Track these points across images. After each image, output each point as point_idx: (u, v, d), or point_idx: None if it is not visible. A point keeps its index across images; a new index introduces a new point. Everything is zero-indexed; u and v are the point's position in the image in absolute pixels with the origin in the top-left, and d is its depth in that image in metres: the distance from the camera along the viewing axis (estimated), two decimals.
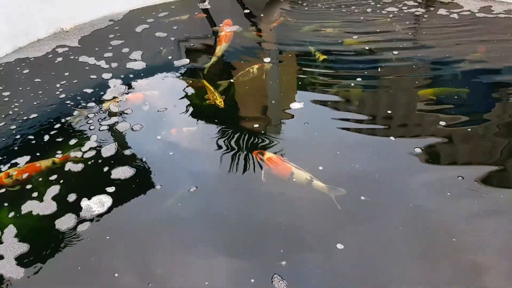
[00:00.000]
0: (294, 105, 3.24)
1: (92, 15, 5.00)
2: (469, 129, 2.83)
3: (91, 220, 2.40)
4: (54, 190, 2.61)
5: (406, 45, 3.95)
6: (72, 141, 3.02)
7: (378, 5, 4.92)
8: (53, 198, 2.55)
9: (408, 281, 2.00)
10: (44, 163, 2.80)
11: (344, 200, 2.37)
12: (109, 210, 2.46)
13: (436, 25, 4.33)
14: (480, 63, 3.59)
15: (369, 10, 4.81)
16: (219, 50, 4.17)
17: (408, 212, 2.31)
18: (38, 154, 2.93)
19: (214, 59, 4.04)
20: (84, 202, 2.51)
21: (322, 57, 3.79)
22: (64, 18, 4.79)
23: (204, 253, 2.19)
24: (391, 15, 4.62)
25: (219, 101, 3.25)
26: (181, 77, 3.81)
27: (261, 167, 2.65)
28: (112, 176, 2.67)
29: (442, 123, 2.91)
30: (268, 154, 2.72)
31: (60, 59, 4.21)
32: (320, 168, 2.60)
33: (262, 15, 4.98)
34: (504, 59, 3.60)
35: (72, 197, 2.55)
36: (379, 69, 3.59)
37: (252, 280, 2.02)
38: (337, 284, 2.01)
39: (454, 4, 4.73)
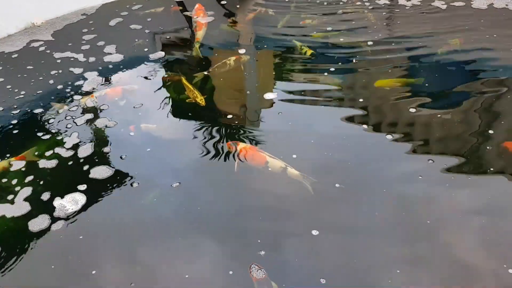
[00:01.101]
0: (268, 96, 3.27)
1: (63, 9, 4.88)
2: (438, 115, 2.91)
3: (65, 219, 2.38)
4: (26, 190, 2.57)
5: (382, 36, 3.99)
6: (46, 138, 2.98)
7: None
8: (26, 199, 2.51)
9: (385, 264, 2.05)
10: (1, 164, 2.73)
11: (319, 188, 2.42)
12: (84, 208, 2.44)
13: (417, 14, 4.38)
14: (456, 53, 3.65)
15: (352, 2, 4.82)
16: (200, 35, 4.23)
17: (382, 198, 2.37)
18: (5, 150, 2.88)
19: (197, 45, 4.07)
20: (57, 201, 2.47)
21: (310, 51, 3.76)
22: (35, 12, 4.67)
23: (183, 247, 2.20)
24: (370, 7, 4.65)
25: (200, 99, 3.23)
26: (157, 70, 3.78)
27: (235, 158, 2.67)
28: (89, 174, 2.64)
29: (412, 110, 2.98)
30: (241, 145, 2.74)
31: (34, 54, 4.12)
32: (294, 156, 2.63)
33: (238, 6, 4.97)
34: (480, 50, 3.66)
35: (45, 196, 2.51)
36: (354, 60, 3.63)
37: (231, 272, 2.04)
38: (314, 268, 2.06)
39: None
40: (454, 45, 3.72)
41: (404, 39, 3.92)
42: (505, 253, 2.06)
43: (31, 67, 3.90)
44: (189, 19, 4.64)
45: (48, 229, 2.32)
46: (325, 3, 4.81)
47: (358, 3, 4.75)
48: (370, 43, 3.87)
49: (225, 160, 2.70)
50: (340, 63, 3.60)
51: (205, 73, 3.63)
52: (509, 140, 2.65)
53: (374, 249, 2.13)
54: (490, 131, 2.73)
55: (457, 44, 3.73)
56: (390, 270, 2.01)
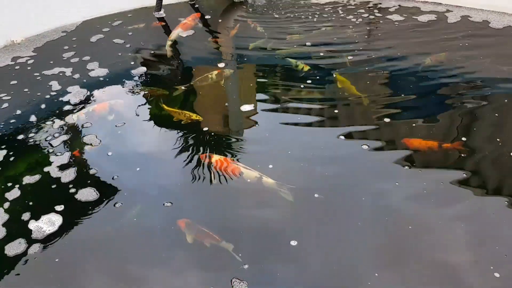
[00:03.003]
0: (244, 108, 3.34)
1: (43, 27, 4.90)
2: (413, 124, 3.00)
3: (42, 240, 2.34)
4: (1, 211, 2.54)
5: (363, 50, 4.07)
6: (27, 157, 2.97)
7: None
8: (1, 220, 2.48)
9: (368, 271, 2.08)
10: None
11: (298, 199, 2.46)
12: (63, 229, 2.42)
13: (392, 30, 4.49)
14: (438, 66, 3.71)
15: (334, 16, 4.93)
16: (173, 34, 4.41)
17: (362, 205, 2.42)
18: None
19: (168, 43, 4.28)
20: (36, 224, 2.44)
21: (306, 67, 3.77)
22: (14, 30, 4.68)
23: (165, 263, 2.20)
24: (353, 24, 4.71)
25: (195, 116, 3.21)
26: (139, 86, 3.82)
27: (210, 170, 2.71)
28: (67, 194, 2.61)
29: (387, 119, 3.07)
30: (215, 157, 2.77)
31: (17, 71, 4.11)
32: (270, 166, 2.68)
33: (220, 21, 5.06)
34: (459, 65, 3.72)
35: (21, 218, 2.48)
36: (334, 75, 3.69)
37: None
38: (297, 279, 2.08)
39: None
40: (439, 58, 3.78)
41: (385, 53, 3.99)
42: (489, 256, 2.11)
43: (14, 84, 3.88)
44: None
45: (25, 252, 2.28)
46: (315, 19, 4.86)
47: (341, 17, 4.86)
48: (350, 57, 3.93)
49: (204, 173, 2.72)
50: (318, 77, 3.68)
51: (183, 87, 3.66)
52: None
53: (356, 257, 2.16)
54: (463, 138, 2.84)
55: (442, 57, 3.78)
56: (372, 276, 2.04)
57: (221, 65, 3.96)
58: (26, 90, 3.79)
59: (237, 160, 2.79)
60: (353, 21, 4.73)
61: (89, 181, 2.72)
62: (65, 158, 2.93)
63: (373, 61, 3.88)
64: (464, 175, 2.58)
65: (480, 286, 2.00)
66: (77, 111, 3.43)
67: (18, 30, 4.70)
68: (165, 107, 3.38)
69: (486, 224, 2.30)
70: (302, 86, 3.57)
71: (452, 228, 2.27)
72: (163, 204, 2.51)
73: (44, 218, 2.47)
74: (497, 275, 2.01)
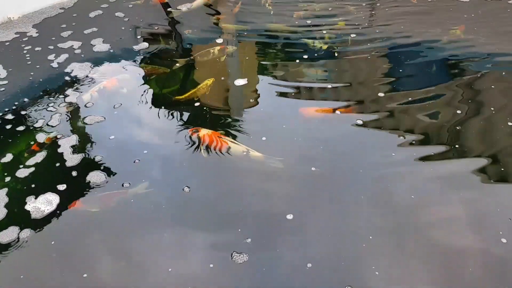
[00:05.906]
0: (238, 82, 3.38)
1: (40, 3, 4.85)
2: (410, 98, 3.10)
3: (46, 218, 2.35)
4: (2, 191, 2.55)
5: (365, 27, 4.10)
6: (32, 136, 3.00)
7: None
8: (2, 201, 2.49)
9: (364, 245, 2.13)
10: None
11: (296, 171, 2.52)
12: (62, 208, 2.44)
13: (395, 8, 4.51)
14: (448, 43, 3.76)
15: None
16: (196, 3, 4.61)
17: (360, 178, 2.47)
18: None
19: (183, 8, 4.54)
20: (34, 204, 2.45)
21: (325, 46, 3.78)
22: (10, 7, 4.64)
23: (165, 240, 2.23)
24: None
25: (209, 81, 3.26)
26: (141, 62, 3.84)
27: (199, 145, 2.75)
28: (69, 174, 2.62)
29: (381, 94, 3.14)
30: (203, 131, 2.80)
31: (19, 48, 4.09)
32: (264, 138, 2.74)
33: None
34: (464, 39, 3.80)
35: (23, 199, 2.49)
36: (336, 54, 3.72)
37: (211, 265, 2.08)
38: (299, 252, 2.13)
39: None
40: (454, 34, 3.81)
41: (387, 31, 4.01)
42: (494, 222, 2.17)
43: (16, 61, 3.88)
44: (168, 11, 4.71)
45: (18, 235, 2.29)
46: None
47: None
48: (353, 35, 3.95)
49: (199, 149, 2.74)
50: (317, 54, 3.72)
51: (177, 64, 3.69)
52: None
53: (357, 229, 2.21)
54: (458, 111, 2.94)
55: (456, 33, 3.81)
56: (367, 239, 2.14)
57: (223, 42, 3.98)
58: (29, 67, 3.80)
59: (229, 132, 2.82)
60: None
61: (95, 162, 2.73)
62: (71, 139, 2.96)
63: (375, 40, 3.92)
64: (462, 145, 2.67)
65: (487, 252, 2.04)
66: (89, 89, 3.41)
67: (14, 6, 4.66)
68: (180, 97, 3.31)
69: (489, 191, 2.37)
70: (297, 61, 3.64)
71: (455, 195, 2.34)
72: (182, 187, 2.50)
73: (42, 198, 2.49)
74: (504, 240, 2.08)
